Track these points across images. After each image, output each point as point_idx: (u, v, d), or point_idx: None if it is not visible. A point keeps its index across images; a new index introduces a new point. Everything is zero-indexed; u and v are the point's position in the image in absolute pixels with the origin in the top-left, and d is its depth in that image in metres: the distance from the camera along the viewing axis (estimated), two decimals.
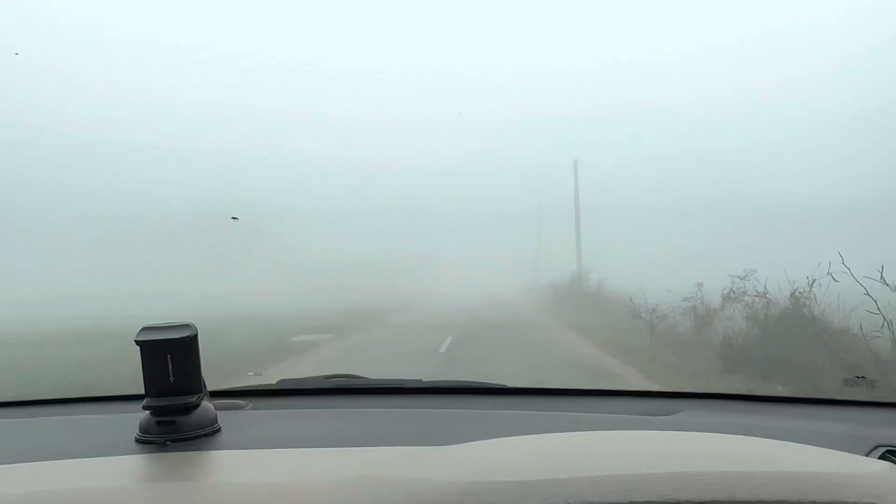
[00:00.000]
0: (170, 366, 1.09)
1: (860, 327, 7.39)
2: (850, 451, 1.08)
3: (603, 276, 27.37)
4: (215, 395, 1.42)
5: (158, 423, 1.13)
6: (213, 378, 1.27)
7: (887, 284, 7.12)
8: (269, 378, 2.01)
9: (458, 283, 46.59)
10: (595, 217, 40.11)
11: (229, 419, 1.24)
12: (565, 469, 0.87)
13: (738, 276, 10.68)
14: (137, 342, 1.10)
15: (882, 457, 1.23)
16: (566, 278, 32.86)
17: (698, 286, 12.38)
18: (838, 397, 1.72)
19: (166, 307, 21.69)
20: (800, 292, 9.08)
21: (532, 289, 41.89)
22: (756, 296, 10.24)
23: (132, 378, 1.35)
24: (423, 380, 1.85)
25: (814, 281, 8.78)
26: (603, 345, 13.43)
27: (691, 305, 12.36)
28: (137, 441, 1.14)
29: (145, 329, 1.12)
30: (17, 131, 52.59)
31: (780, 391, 7.29)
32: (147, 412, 1.14)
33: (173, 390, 1.10)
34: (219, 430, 1.19)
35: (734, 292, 10.74)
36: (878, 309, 6.88)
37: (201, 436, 1.14)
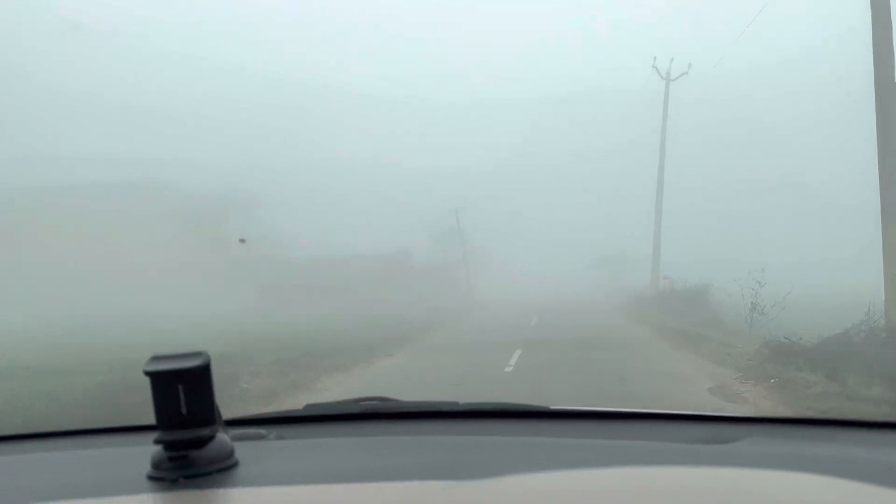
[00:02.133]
0: (182, 396, 1.03)
1: None
2: None
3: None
4: (234, 423, 1.36)
5: (171, 458, 1.06)
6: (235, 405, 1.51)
7: None
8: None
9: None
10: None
11: (249, 451, 1.18)
12: None
13: None
14: (146, 372, 1.03)
15: None
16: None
17: None
18: None
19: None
20: None
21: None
22: None
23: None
24: (459, 402, 1.76)
25: None
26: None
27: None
28: (149, 478, 1.07)
29: (155, 359, 1.05)
30: None
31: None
32: (159, 446, 1.07)
33: (186, 422, 1.04)
34: (236, 465, 1.11)
35: None
36: None
37: (216, 471, 1.07)
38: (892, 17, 10.97)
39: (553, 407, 1.70)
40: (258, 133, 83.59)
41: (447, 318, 26.06)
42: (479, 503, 0.93)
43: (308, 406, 1.77)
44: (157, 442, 1.05)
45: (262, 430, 1.46)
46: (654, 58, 32.53)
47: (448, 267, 50.89)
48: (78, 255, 41.78)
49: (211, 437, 1.06)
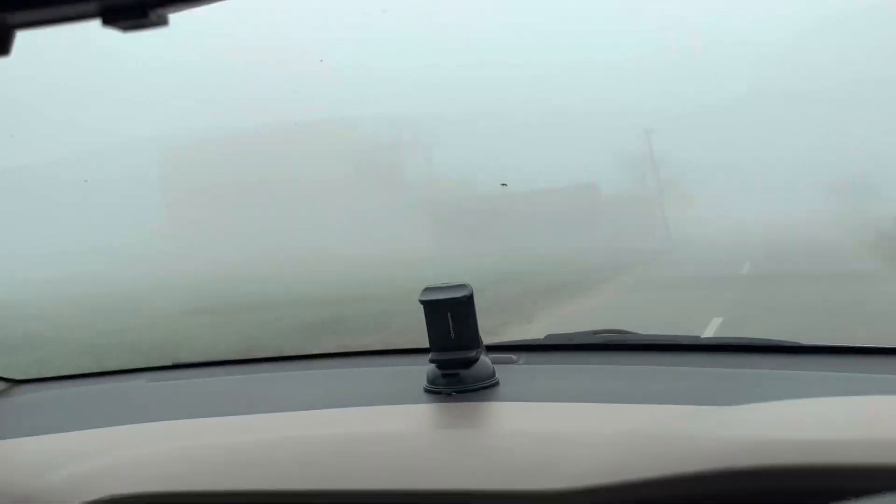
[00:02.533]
0: (450, 323, 1.19)
1: None
2: None
3: None
4: (489, 349, 1.46)
5: (444, 375, 1.23)
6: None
7: None
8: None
9: None
10: None
11: (504, 372, 1.31)
12: (851, 431, 0.88)
13: None
14: (422, 301, 1.20)
15: None
16: None
17: None
18: None
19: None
20: None
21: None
22: None
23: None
24: (701, 336, 1.78)
25: None
26: None
27: None
28: (426, 391, 1.25)
29: (427, 290, 1.21)
30: None
31: None
32: (433, 365, 1.25)
33: (454, 345, 1.21)
34: (497, 384, 1.26)
35: None
36: None
37: (482, 388, 1.23)
38: None
39: (804, 342, 1.58)
40: (435, 70, 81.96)
41: (628, 262, 20.97)
42: (737, 425, 0.95)
43: (549, 336, 1.79)
44: (431, 361, 1.24)
45: (512, 356, 1.56)
46: None
47: (642, 200, 44.74)
48: (260, 195, 42.71)
49: (476, 359, 1.23)
